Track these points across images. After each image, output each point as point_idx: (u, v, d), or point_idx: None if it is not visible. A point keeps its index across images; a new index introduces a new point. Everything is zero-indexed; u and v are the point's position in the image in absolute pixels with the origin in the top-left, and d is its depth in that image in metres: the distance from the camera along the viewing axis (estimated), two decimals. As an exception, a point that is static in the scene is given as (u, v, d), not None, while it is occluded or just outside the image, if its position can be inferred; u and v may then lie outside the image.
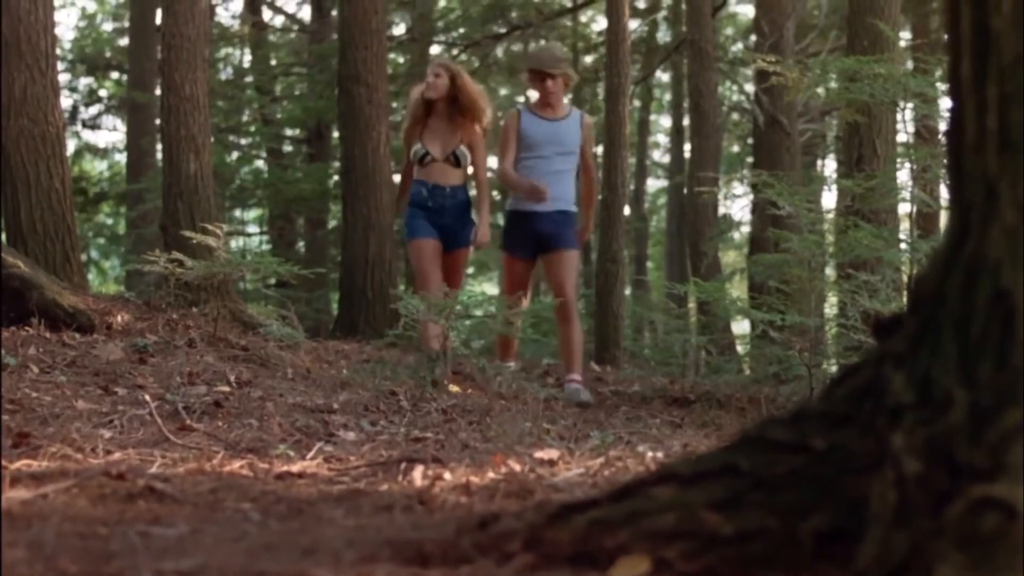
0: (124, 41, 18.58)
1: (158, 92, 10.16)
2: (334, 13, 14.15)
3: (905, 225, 6.61)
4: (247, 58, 18.18)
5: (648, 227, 20.99)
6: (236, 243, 15.17)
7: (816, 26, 13.36)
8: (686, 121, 15.57)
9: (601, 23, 17.33)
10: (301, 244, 16.25)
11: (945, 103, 5.05)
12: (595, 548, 1.60)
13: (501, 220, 13.42)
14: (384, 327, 7.51)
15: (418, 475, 2.72)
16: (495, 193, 12.77)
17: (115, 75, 19.39)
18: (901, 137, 7.05)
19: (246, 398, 4.27)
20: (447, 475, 2.68)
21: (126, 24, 18.26)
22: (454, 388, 5.19)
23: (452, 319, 5.18)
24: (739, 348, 10.09)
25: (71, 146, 18.20)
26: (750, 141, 14.46)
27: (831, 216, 7.09)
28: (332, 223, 15.28)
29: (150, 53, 14.98)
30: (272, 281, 12.38)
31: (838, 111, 9.91)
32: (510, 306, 5.59)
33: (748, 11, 16.58)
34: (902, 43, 9.25)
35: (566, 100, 6.24)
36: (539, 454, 3.26)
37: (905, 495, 1.39)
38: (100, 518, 2.02)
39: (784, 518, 1.54)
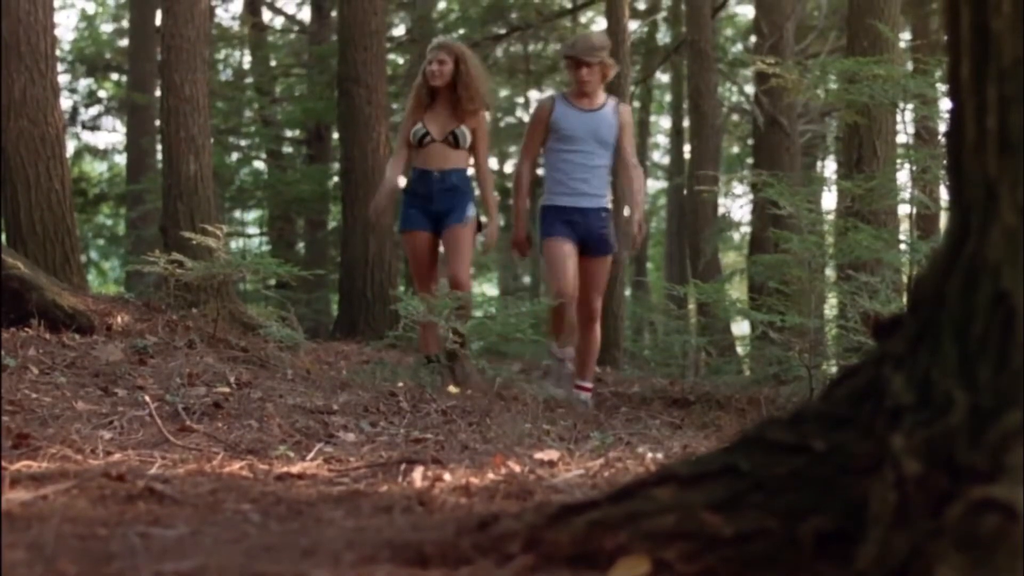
0: (124, 42, 18.60)
1: (158, 93, 10.18)
2: (334, 14, 14.15)
3: (905, 226, 6.62)
4: (247, 59, 18.19)
5: (648, 228, 20.98)
6: (236, 244, 15.17)
7: (816, 27, 13.38)
8: (686, 122, 15.56)
9: (601, 24, 17.33)
10: (301, 245, 16.26)
11: (945, 104, 5.05)
12: (595, 549, 1.60)
13: (501, 221, 13.38)
14: (384, 328, 7.51)
15: (418, 476, 2.72)
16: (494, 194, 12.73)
17: (115, 76, 19.41)
18: (901, 138, 7.06)
19: (246, 399, 4.27)
20: (447, 476, 2.68)
21: (126, 25, 18.29)
22: (453, 389, 5.19)
23: (451, 320, 5.15)
24: (739, 349, 10.09)
25: (71, 147, 18.22)
26: (750, 142, 14.47)
27: (831, 217, 7.10)
28: (332, 224, 15.28)
29: (150, 54, 15.00)
30: (272, 282, 12.40)
31: (838, 112, 9.92)
32: (559, 295, 5.40)
33: (748, 12, 16.59)
34: (902, 44, 9.24)
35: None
36: (539, 455, 3.26)
37: (905, 496, 1.39)
38: (100, 519, 2.02)
39: (784, 519, 1.54)
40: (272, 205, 15.03)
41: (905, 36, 12.98)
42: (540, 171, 5.96)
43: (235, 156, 15.96)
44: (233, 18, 18.72)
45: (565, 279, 5.49)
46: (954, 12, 1.65)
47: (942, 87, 6.05)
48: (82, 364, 4.53)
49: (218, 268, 5.87)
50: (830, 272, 6.92)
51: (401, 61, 15.78)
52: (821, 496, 1.55)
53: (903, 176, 6.19)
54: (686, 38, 12.07)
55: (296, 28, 17.68)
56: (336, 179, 13.59)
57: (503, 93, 18.24)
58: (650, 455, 3.38)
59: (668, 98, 20.44)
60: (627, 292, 12.26)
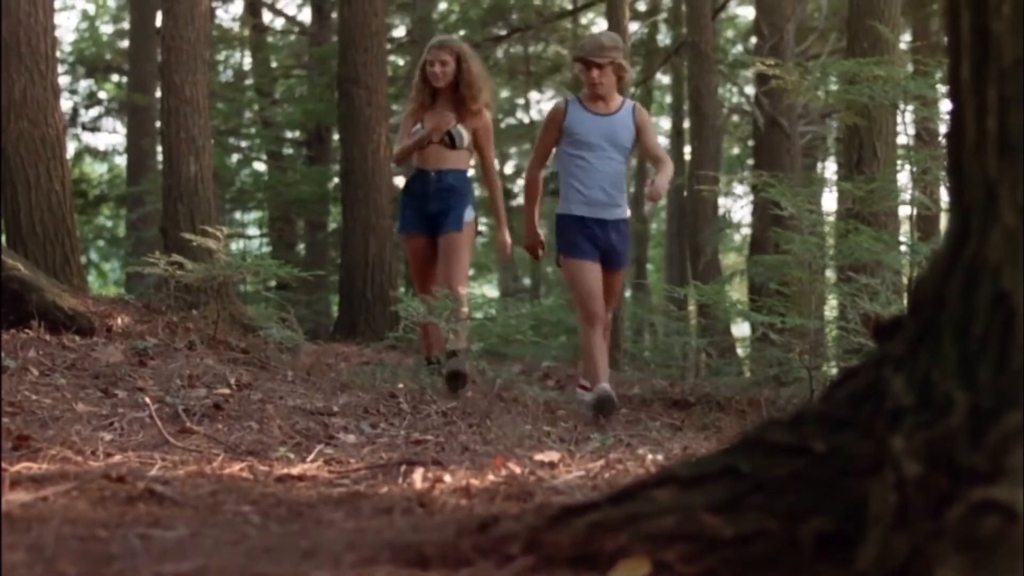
0: (124, 43, 18.60)
1: (158, 94, 10.18)
2: (334, 15, 14.16)
3: (905, 227, 6.62)
4: (247, 60, 18.20)
5: (648, 229, 20.98)
6: (236, 245, 15.18)
7: (816, 28, 13.38)
8: (686, 123, 15.57)
9: (601, 25, 17.32)
10: (301, 246, 16.26)
11: (945, 105, 5.05)
12: (595, 550, 1.60)
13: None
14: (384, 329, 7.51)
15: (418, 478, 2.72)
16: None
17: (115, 77, 19.41)
18: (901, 139, 7.05)
19: (246, 401, 4.27)
20: (447, 478, 2.68)
21: (126, 26, 18.29)
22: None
23: (451, 322, 5.14)
24: (739, 350, 10.08)
25: (71, 148, 18.23)
26: (750, 143, 14.47)
27: (831, 218, 7.10)
28: (332, 225, 15.28)
29: (150, 55, 15.00)
30: (272, 283, 12.40)
31: (838, 113, 9.92)
32: (591, 317, 5.23)
33: (748, 13, 16.57)
34: (902, 45, 9.25)
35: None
36: (539, 457, 3.26)
37: (905, 498, 1.39)
38: (100, 521, 2.02)
39: (784, 520, 1.54)
40: (272, 206, 15.03)
41: (905, 37, 12.98)
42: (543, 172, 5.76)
43: (235, 157, 15.97)
44: (233, 19, 18.74)
45: (598, 301, 5.31)
46: (954, 13, 1.65)
47: (942, 88, 6.06)
48: (82, 366, 4.53)
49: (218, 269, 5.87)
50: (830, 273, 6.93)
51: (401, 63, 15.78)
52: (821, 497, 1.55)
53: (903, 177, 6.20)
54: (686, 39, 12.07)
55: (296, 29, 17.68)
56: (336, 180, 13.58)
57: (503, 94, 18.24)
58: (650, 457, 3.38)
59: (668, 99, 20.42)
60: (627, 294, 12.26)
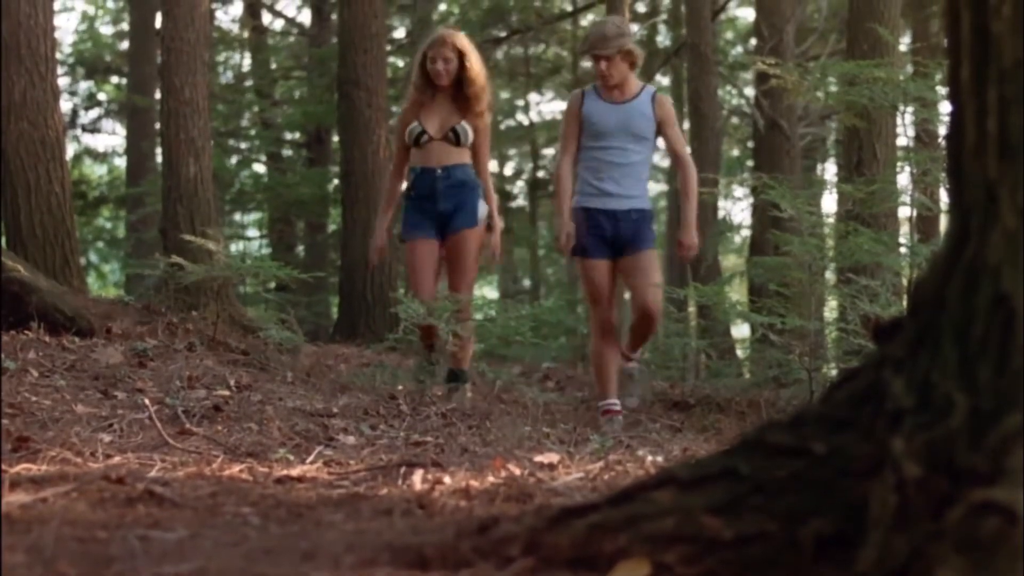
0: (124, 45, 18.61)
1: (158, 96, 10.18)
2: (334, 17, 14.17)
3: (905, 229, 6.61)
4: (247, 62, 18.20)
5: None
6: (236, 247, 15.19)
7: (816, 30, 13.38)
8: (686, 125, 15.58)
9: (601, 27, 17.30)
10: (301, 248, 16.26)
11: (945, 107, 5.05)
12: (595, 552, 1.60)
13: (502, 223, 13.32)
14: (384, 331, 7.50)
15: (418, 479, 2.72)
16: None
17: (115, 79, 19.42)
18: (901, 141, 7.05)
19: (246, 402, 4.27)
20: (447, 479, 2.68)
21: (126, 28, 18.30)
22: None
23: (450, 323, 5.12)
24: (739, 352, 10.08)
25: (71, 150, 18.22)
26: (750, 145, 14.47)
27: (831, 220, 7.10)
28: (332, 227, 15.28)
29: (150, 57, 15.01)
30: (272, 285, 12.38)
31: (838, 115, 9.91)
32: (604, 326, 5.18)
33: (748, 15, 16.58)
34: (902, 47, 9.25)
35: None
36: (539, 458, 3.26)
37: (905, 499, 1.39)
38: (99, 522, 2.02)
39: (784, 522, 1.54)
40: (272, 208, 15.03)
41: (905, 39, 12.98)
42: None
43: (235, 159, 15.97)
44: (233, 21, 18.75)
45: (603, 303, 5.23)
46: (954, 15, 1.65)
47: (942, 90, 6.05)
48: (82, 367, 4.53)
49: (218, 271, 5.87)
50: (830, 275, 6.92)
51: (401, 64, 15.78)
52: (821, 499, 1.55)
53: (903, 179, 6.19)
54: (686, 41, 12.07)
55: (296, 31, 17.69)
56: (336, 182, 13.59)
57: (503, 96, 18.24)
58: (650, 458, 3.38)
59: (668, 101, 20.41)
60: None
